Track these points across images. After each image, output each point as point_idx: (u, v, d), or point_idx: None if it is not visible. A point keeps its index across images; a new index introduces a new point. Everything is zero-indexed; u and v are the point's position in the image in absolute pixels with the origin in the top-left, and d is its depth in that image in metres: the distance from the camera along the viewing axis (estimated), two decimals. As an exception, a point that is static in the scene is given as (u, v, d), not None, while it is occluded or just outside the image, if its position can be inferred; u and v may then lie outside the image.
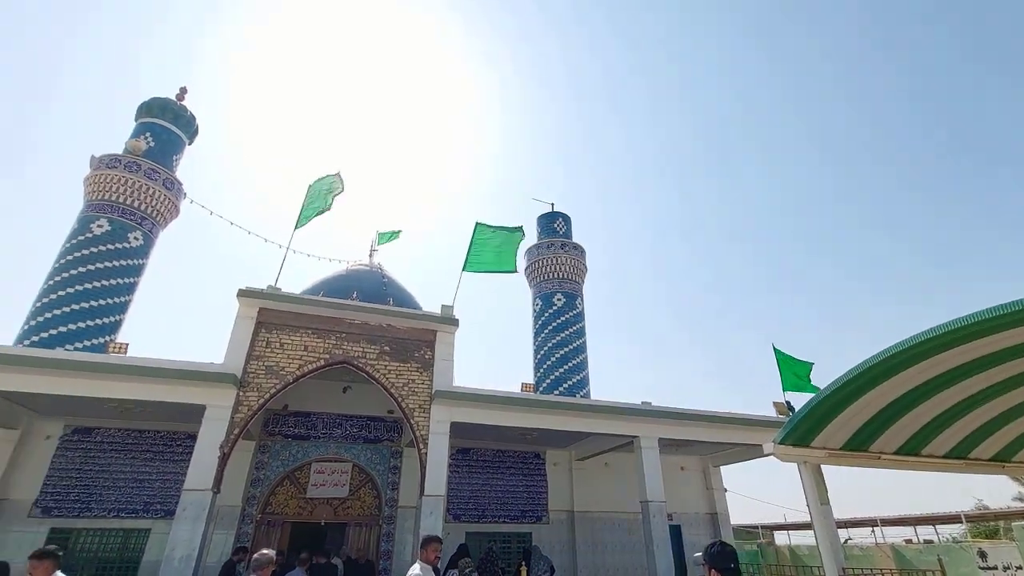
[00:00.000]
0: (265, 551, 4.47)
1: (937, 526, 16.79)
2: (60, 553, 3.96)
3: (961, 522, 16.05)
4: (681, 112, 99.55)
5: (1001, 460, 4.86)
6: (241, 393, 9.22)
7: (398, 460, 12.81)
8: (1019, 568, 10.73)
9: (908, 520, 16.85)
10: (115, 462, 11.36)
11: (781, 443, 4.41)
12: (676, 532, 14.22)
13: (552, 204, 19.07)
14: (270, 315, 10.02)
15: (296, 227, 11.78)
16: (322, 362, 9.93)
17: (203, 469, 8.52)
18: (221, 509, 10.96)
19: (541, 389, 14.68)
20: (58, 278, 12.05)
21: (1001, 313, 2.56)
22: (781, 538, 21.04)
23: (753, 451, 13.85)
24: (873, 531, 17.32)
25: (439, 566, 8.67)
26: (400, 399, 10.13)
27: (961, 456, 4.67)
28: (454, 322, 10.98)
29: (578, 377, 14.86)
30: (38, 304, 11.78)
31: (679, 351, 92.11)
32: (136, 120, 14.85)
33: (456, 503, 12.95)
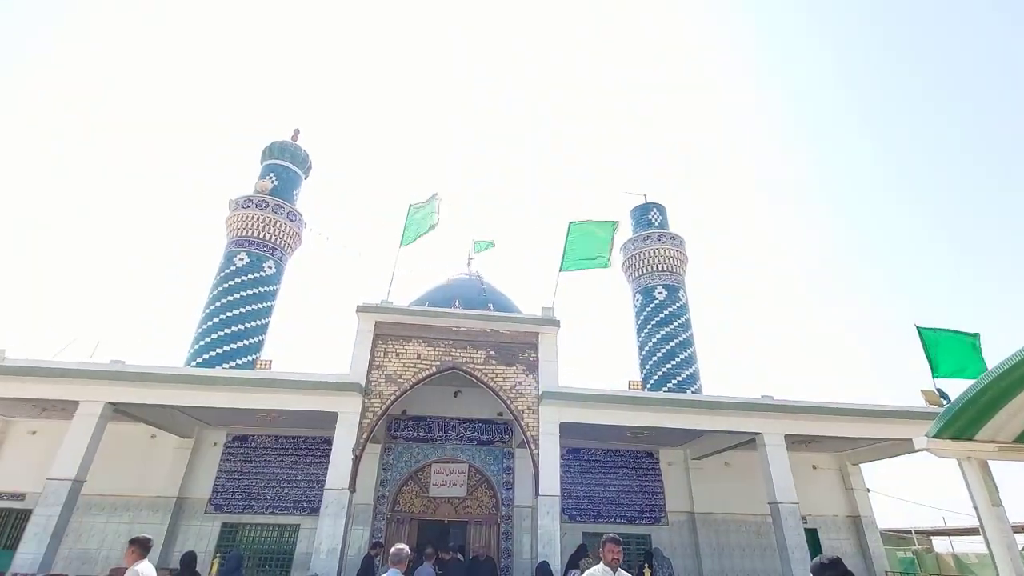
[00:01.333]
0: (402, 546, 4.77)
1: None
2: (150, 544, 4.71)
3: None
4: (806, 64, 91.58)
5: None
6: (366, 400, 10.07)
7: (511, 461, 13.16)
8: None
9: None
10: (267, 465, 12.92)
11: (936, 436, 3.94)
12: (812, 537, 13.08)
13: (645, 195, 18.54)
14: (385, 327, 10.83)
15: (401, 245, 12.63)
16: (434, 369, 10.52)
17: (340, 470, 9.42)
18: (356, 507, 11.99)
19: (649, 386, 14.27)
20: (213, 306, 14.00)
21: None
22: (941, 544, 18.49)
23: (900, 446, 12.34)
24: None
25: (560, 565, 8.78)
26: (508, 401, 10.42)
27: None
28: (555, 323, 11.09)
29: (687, 372, 14.23)
30: (199, 330, 13.78)
31: (800, 340, 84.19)
32: (261, 162, 16.84)
33: (570, 503, 13.00)
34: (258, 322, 14.06)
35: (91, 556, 11.65)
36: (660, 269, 16.06)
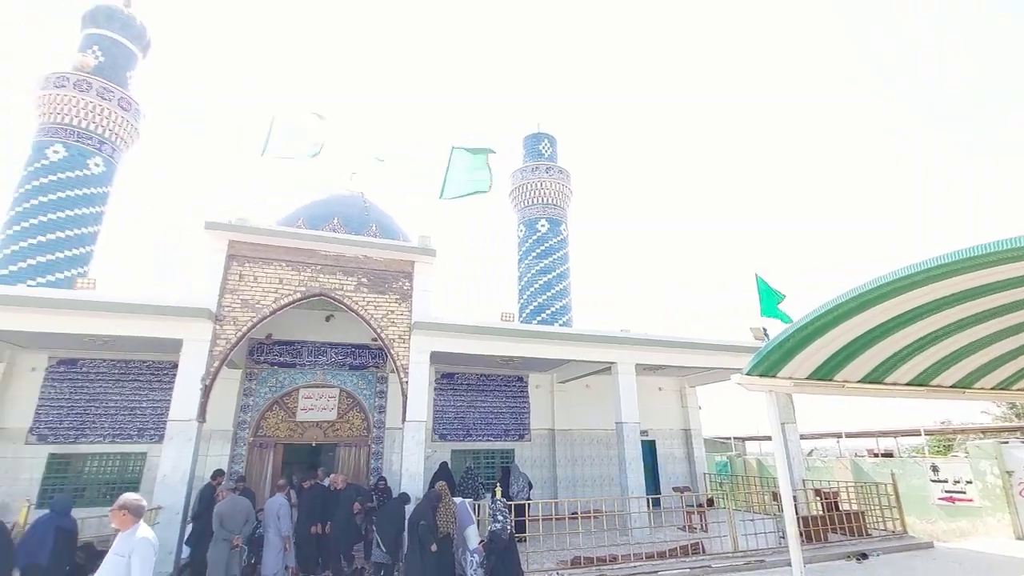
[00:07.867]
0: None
1: (899, 439, 17.83)
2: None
3: (920, 435, 17.04)
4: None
5: (962, 387, 5.07)
6: (218, 327, 9.16)
7: (384, 385, 13.14)
8: (968, 482, 11.57)
9: (871, 433, 17.86)
10: (105, 391, 11.53)
11: (748, 374, 4.49)
12: (651, 447, 15.06)
13: (539, 124, 18.25)
14: (241, 247, 9.74)
15: (262, 154, 11.13)
16: (298, 295, 9.81)
17: (186, 400, 8.64)
18: (213, 434, 11.34)
19: (523, 316, 14.82)
20: (19, 208, 11.52)
21: (953, 260, 2.77)
22: (754, 447, 22.45)
23: (728, 373, 14.36)
24: (838, 442, 18.36)
25: (424, 484, 9.12)
26: (380, 330, 10.15)
27: (923, 384, 4.85)
28: (431, 252, 10.78)
29: (560, 303, 14.94)
30: (3, 236, 11.34)
31: (668, 279, 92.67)
32: (81, 31, 13.51)
33: (442, 424, 13.49)
34: (81, 230, 11.83)
35: None
36: (545, 202, 16.20)
